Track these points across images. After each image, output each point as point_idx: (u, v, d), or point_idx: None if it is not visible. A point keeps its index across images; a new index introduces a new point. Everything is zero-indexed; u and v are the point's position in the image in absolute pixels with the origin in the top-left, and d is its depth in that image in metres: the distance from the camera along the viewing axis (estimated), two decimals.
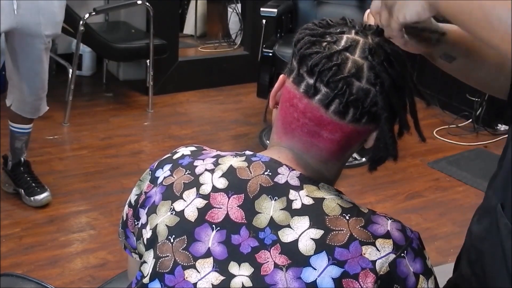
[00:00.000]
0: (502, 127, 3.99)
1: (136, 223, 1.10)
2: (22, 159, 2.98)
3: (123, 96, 4.32)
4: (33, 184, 2.94)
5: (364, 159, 3.23)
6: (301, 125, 1.02)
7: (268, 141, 1.16)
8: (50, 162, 3.34)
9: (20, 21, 2.57)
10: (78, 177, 3.25)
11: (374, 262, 0.94)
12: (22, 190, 2.94)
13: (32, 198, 2.92)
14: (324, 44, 1.00)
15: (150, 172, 1.12)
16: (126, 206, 1.15)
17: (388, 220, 1.00)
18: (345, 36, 1.01)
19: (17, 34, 2.61)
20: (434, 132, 3.97)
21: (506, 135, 1.03)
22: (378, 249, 0.95)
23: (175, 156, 1.11)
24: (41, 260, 2.59)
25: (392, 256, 0.95)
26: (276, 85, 1.06)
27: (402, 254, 0.96)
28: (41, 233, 2.76)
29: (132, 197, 1.13)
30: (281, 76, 1.06)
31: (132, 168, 3.31)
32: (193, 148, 1.13)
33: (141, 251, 1.06)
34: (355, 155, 3.35)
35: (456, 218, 3.10)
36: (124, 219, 1.15)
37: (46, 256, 2.62)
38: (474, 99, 4.03)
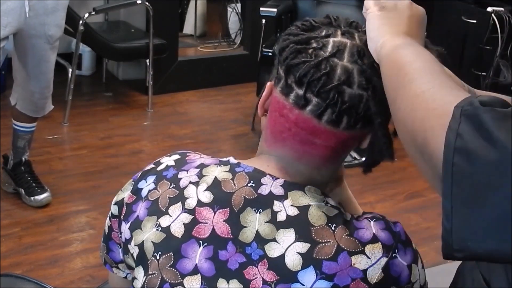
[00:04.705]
0: None
1: (120, 236, 1.06)
2: (24, 158, 2.98)
3: (122, 95, 4.31)
4: (34, 184, 2.94)
5: (364, 159, 3.23)
6: (293, 134, 0.98)
7: None
8: (49, 161, 3.34)
9: (27, 22, 2.58)
10: (78, 177, 3.24)
11: (365, 271, 0.92)
12: (22, 190, 2.94)
13: (32, 198, 2.91)
14: (310, 51, 0.95)
15: (133, 182, 1.08)
16: (108, 219, 1.11)
17: (370, 221, 0.97)
18: (331, 40, 0.96)
19: (23, 34, 2.62)
20: None
21: None
22: (368, 257, 0.93)
23: (159, 168, 1.06)
24: (40, 260, 2.59)
25: (384, 260, 0.94)
26: (264, 93, 1.02)
27: (393, 255, 0.95)
28: (40, 233, 2.76)
29: (113, 208, 1.10)
30: (269, 84, 1.01)
31: (131, 168, 3.30)
32: (176, 157, 1.08)
33: (131, 264, 1.04)
34: (355, 154, 3.35)
35: None
36: (107, 232, 1.11)
37: (46, 256, 2.62)
38: None
